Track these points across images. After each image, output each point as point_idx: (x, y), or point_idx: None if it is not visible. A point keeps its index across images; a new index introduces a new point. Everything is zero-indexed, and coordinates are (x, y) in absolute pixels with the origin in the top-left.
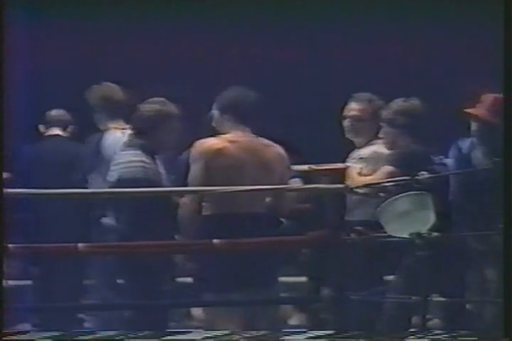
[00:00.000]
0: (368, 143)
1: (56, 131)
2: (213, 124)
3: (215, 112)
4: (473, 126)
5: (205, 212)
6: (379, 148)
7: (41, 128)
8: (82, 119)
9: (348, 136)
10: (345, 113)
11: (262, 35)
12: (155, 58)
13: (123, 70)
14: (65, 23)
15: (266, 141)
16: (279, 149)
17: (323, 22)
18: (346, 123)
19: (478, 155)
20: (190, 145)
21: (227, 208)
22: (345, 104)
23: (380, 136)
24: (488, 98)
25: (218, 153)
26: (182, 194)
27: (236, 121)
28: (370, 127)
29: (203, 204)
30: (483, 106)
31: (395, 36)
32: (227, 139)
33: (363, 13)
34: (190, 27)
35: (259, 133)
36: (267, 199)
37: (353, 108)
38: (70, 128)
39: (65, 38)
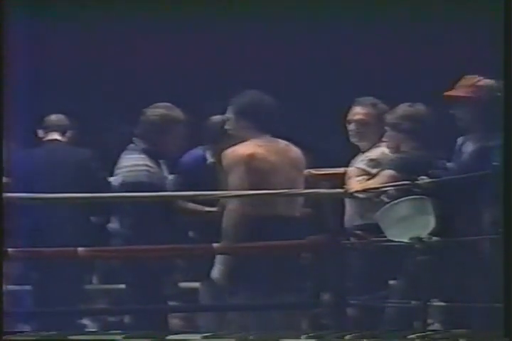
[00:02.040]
0: (374, 146)
1: (55, 135)
2: (228, 128)
3: (230, 117)
4: (457, 110)
5: (251, 215)
6: (386, 150)
7: (40, 133)
8: (81, 124)
9: (353, 140)
10: (350, 117)
11: (266, 38)
12: (158, 61)
13: (124, 73)
14: (66, 27)
15: (286, 143)
16: (297, 149)
17: (328, 25)
18: (351, 127)
19: (469, 146)
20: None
21: (269, 210)
22: (349, 108)
23: (383, 139)
24: (465, 79)
25: (252, 158)
26: (188, 199)
27: (254, 126)
28: (375, 131)
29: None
30: (461, 87)
31: (398, 39)
32: (254, 144)
33: (367, 17)
34: (194, 29)
35: (276, 136)
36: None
37: (358, 112)
38: (68, 133)
39: (65, 41)
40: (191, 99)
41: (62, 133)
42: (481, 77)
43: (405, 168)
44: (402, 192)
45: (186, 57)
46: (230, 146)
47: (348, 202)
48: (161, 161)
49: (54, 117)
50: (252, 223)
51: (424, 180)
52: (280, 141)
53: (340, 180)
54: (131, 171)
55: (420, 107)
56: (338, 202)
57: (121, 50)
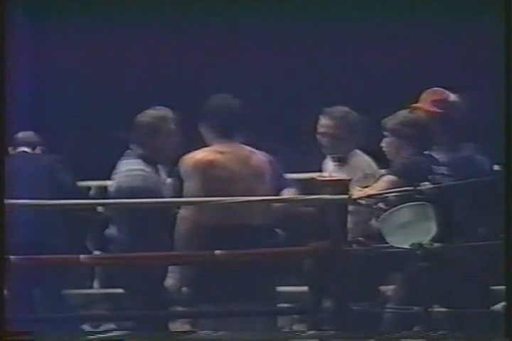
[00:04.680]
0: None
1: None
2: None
3: (199, 121)
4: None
5: (206, 223)
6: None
7: (10, 150)
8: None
9: (325, 151)
10: (320, 130)
11: (250, 43)
12: (155, 65)
13: (124, 77)
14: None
15: (250, 148)
16: (262, 155)
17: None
18: (321, 139)
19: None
20: (180, 158)
21: (227, 219)
22: (317, 119)
23: (382, 145)
24: (429, 92)
25: (210, 165)
26: (180, 205)
27: (219, 131)
28: (347, 142)
29: (203, 215)
30: (426, 100)
31: (392, 39)
32: (215, 150)
33: (346, 21)
34: (188, 32)
35: (242, 141)
36: (267, 210)
37: (328, 125)
38: (37, 150)
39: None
40: (189, 102)
41: (32, 149)
42: (448, 93)
43: (406, 174)
44: (404, 198)
45: (185, 60)
46: (189, 152)
47: (350, 208)
48: (159, 166)
49: (22, 135)
50: (208, 232)
51: (425, 185)
52: (245, 147)
53: (344, 186)
54: (125, 176)
55: (420, 113)
56: (340, 208)
57: (121, 52)
